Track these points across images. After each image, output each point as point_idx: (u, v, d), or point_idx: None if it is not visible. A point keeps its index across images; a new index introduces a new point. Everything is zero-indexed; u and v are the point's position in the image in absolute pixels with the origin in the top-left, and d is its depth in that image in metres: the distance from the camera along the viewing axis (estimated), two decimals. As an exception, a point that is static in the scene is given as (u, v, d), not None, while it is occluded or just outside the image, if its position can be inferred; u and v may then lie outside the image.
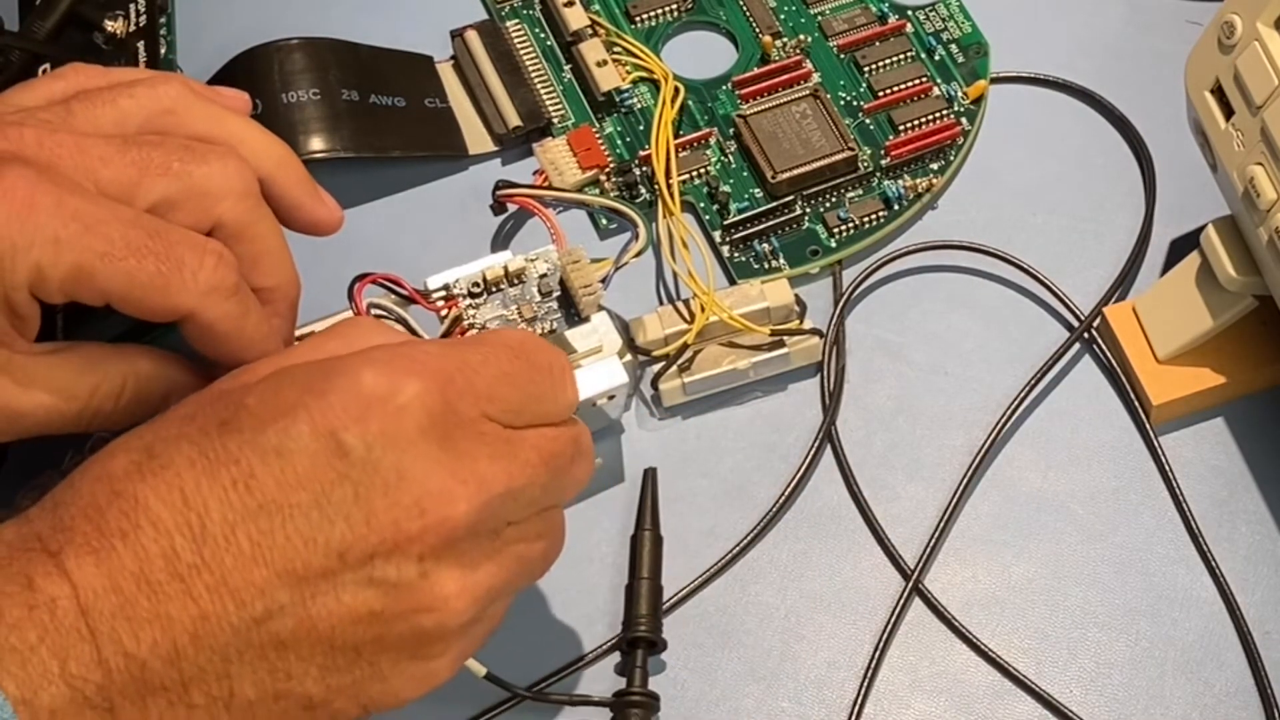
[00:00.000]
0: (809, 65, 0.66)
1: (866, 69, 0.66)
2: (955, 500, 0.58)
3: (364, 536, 0.43)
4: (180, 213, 0.49)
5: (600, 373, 0.55)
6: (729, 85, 0.66)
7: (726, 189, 0.64)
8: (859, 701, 0.55)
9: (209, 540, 0.42)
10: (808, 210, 0.63)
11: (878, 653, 0.56)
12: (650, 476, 0.58)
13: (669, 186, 0.62)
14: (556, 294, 0.56)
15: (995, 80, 0.66)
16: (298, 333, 0.54)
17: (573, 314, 0.56)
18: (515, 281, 0.56)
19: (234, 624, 0.42)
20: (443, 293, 0.56)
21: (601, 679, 0.56)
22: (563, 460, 0.47)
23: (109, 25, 0.65)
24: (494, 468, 0.45)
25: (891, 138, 0.65)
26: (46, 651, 0.40)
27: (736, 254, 0.63)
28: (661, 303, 0.62)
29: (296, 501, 0.42)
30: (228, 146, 0.50)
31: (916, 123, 0.65)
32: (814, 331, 0.60)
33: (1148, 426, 0.60)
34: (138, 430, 0.44)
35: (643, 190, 0.64)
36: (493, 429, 0.45)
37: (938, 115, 0.65)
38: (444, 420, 0.44)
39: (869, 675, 0.56)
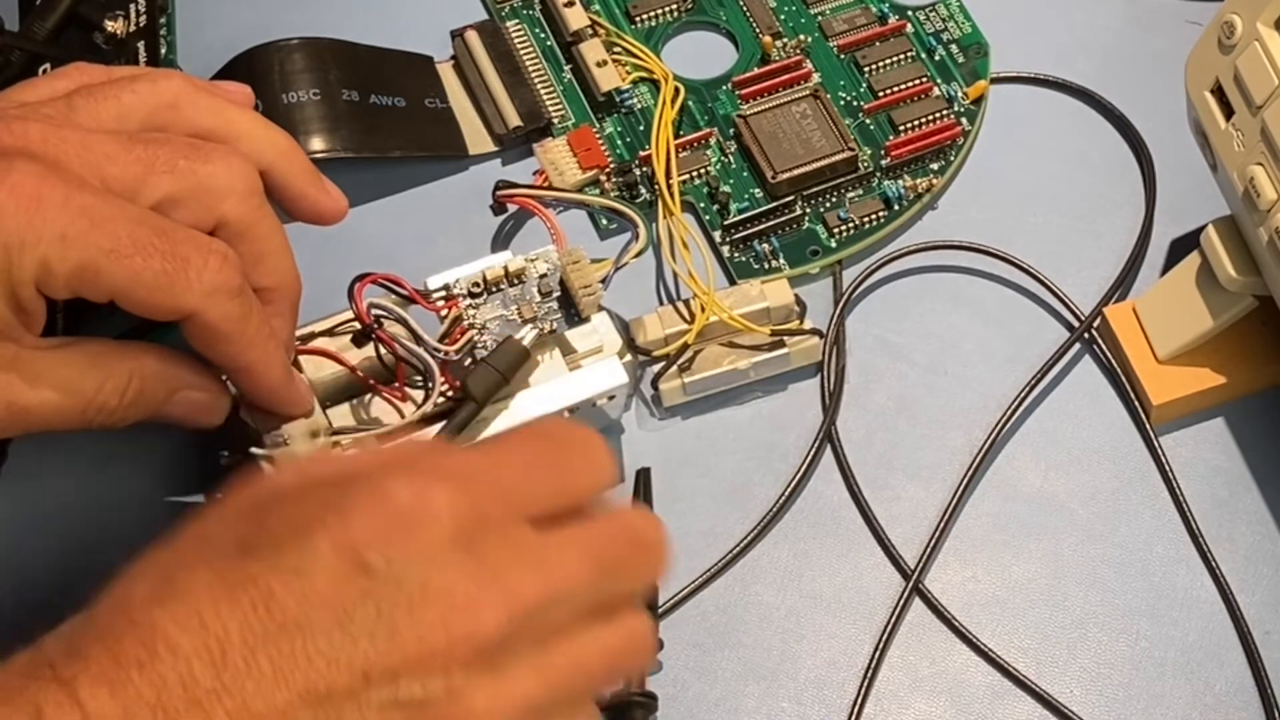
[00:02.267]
0: (809, 65, 0.66)
1: (866, 69, 0.66)
2: (955, 500, 0.58)
3: (388, 654, 0.41)
4: (184, 211, 0.49)
5: (600, 373, 0.55)
6: (729, 85, 0.66)
7: (726, 189, 0.64)
8: (859, 701, 0.55)
9: (229, 665, 0.40)
10: (808, 210, 0.63)
11: (878, 653, 0.56)
12: (643, 477, 0.58)
13: (669, 186, 0.62)
14: (556, 294, 0.56)
15: (995, 80, 0.66)
16: (298, 332, 0.55)
17: (573, 314, 0.56)
18: (515, 281, 0.56)
19: None
20: (443, 293, 0.56)
21: (602, 679, 0.56)
22: (612, 556, 0.43)
23: (109, 25, 0.65)
24: (525, 576, 0.42)
25: (891, 138, 0.65)
26: None
27: (736, 254, 0.63)
28: (661, 303, 0.62)
29: (318, 620, 0.40)
30: (231, 145, 0.50)
31: (916, 123, 0.65)
32: (814, 331, 0.60)
33: (1148, 426, 0.60)
34: (155, 556, 0.42)
35: (643, 190, 0.64)
36: (524, 533, 0.43)
37: (938, 115, 0.65)
38: (471, 527, 0.42)
39: (869, 675, 0.56)
